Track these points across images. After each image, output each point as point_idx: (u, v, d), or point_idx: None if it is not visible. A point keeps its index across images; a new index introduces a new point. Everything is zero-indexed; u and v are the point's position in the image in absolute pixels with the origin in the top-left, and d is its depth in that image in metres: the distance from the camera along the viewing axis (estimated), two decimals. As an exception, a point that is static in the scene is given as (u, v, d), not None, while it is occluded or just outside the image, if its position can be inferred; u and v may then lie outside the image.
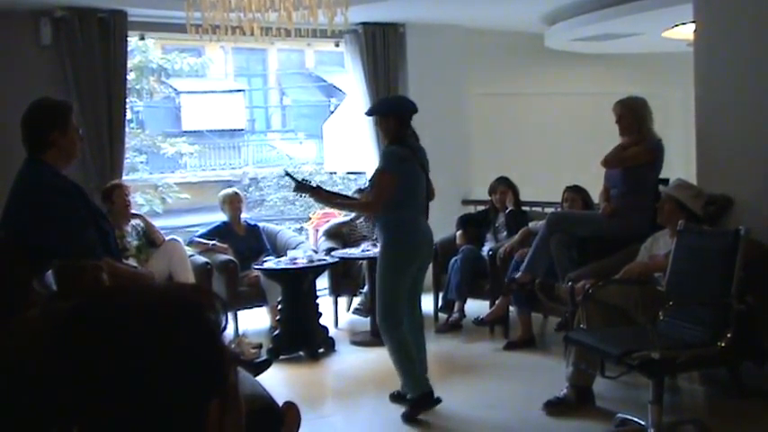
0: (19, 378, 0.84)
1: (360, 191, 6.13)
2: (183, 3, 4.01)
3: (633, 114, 4.24)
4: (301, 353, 4.80)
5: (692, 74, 4.20)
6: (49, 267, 2.00)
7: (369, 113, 4.04)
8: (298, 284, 4.82)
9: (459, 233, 5.60)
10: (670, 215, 3.66)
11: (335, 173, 11.68)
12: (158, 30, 5.98)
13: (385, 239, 3.67)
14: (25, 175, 2.65)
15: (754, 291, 3.28)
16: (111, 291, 0.83)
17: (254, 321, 5.52)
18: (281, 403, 1.64)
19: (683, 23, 5.55)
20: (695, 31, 4.27)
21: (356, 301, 5.69)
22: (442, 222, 5.08)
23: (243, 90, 14.54)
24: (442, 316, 5.46)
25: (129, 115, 7.60)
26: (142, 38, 6.20)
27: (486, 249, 5.32)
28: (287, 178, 3.97)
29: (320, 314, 4.98)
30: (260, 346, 4.12)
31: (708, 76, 4.11)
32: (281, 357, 4.68)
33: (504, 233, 5.38)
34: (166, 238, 5.02)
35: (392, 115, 3.68)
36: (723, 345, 3.06)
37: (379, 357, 4.80)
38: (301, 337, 4.80)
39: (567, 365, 3.72)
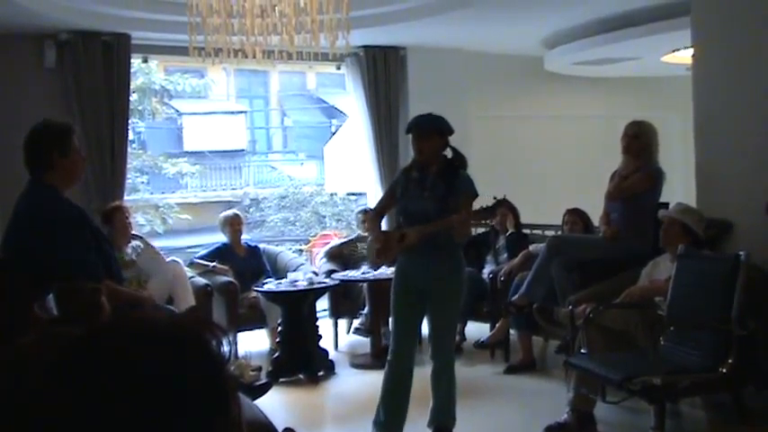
0: (19, 406, 0.84)
1: (364, 212, 6.13)
2: (185, 26, 4.05)
3: (647, 138, 4.23)
4: (301, 376, 4.78)
5: (691, 97, 4.23)
6: (50, 291, 2.00)
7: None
8: (298, 307, 4.80)
9: (459, 255, 5.59)
10: (675, 238, 3.65)
11: (336, 194, 11.72)
12: (161, 53, 6.03)
13: (457, 267, 3.51)
14: (27, 197, 2.67)
15: (755, 315, 3.27)
16: (114, 323, 0.83)
17: (253, 343, 5.50)
18: (279, 428, 1.63)
19: (682, 48, 5.59)
20: (693, 56, 4.30)
21: (356, 322, 5.67)
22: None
23: (244, 111, 14.62)
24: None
25: (131, 136, 7.63)
26: (145, 60, 6.25)
27: (486, 272, 5.32)
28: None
29: (320, 336, 4.96)
30: (259, 369, 4.10)
31: (706, 100, 4.13)
32: (281, 380, 4.65)
33: (505, 255, 5.37)
34: (167, 260, 5.01)
35: (449, 135, 3.53)
36: (725, 370, 3.04)
37: (380, 380, 4.77)
38: (301, 360, 4.78)
39: (568, 390, 3.70)
